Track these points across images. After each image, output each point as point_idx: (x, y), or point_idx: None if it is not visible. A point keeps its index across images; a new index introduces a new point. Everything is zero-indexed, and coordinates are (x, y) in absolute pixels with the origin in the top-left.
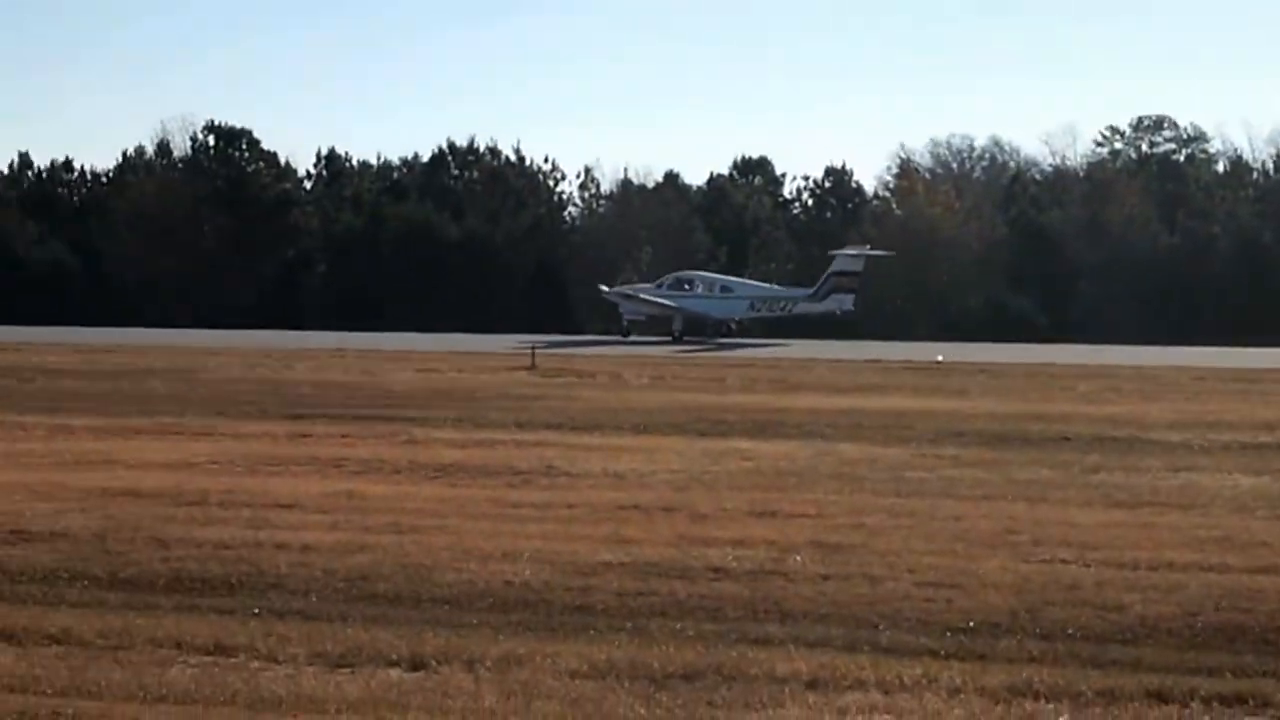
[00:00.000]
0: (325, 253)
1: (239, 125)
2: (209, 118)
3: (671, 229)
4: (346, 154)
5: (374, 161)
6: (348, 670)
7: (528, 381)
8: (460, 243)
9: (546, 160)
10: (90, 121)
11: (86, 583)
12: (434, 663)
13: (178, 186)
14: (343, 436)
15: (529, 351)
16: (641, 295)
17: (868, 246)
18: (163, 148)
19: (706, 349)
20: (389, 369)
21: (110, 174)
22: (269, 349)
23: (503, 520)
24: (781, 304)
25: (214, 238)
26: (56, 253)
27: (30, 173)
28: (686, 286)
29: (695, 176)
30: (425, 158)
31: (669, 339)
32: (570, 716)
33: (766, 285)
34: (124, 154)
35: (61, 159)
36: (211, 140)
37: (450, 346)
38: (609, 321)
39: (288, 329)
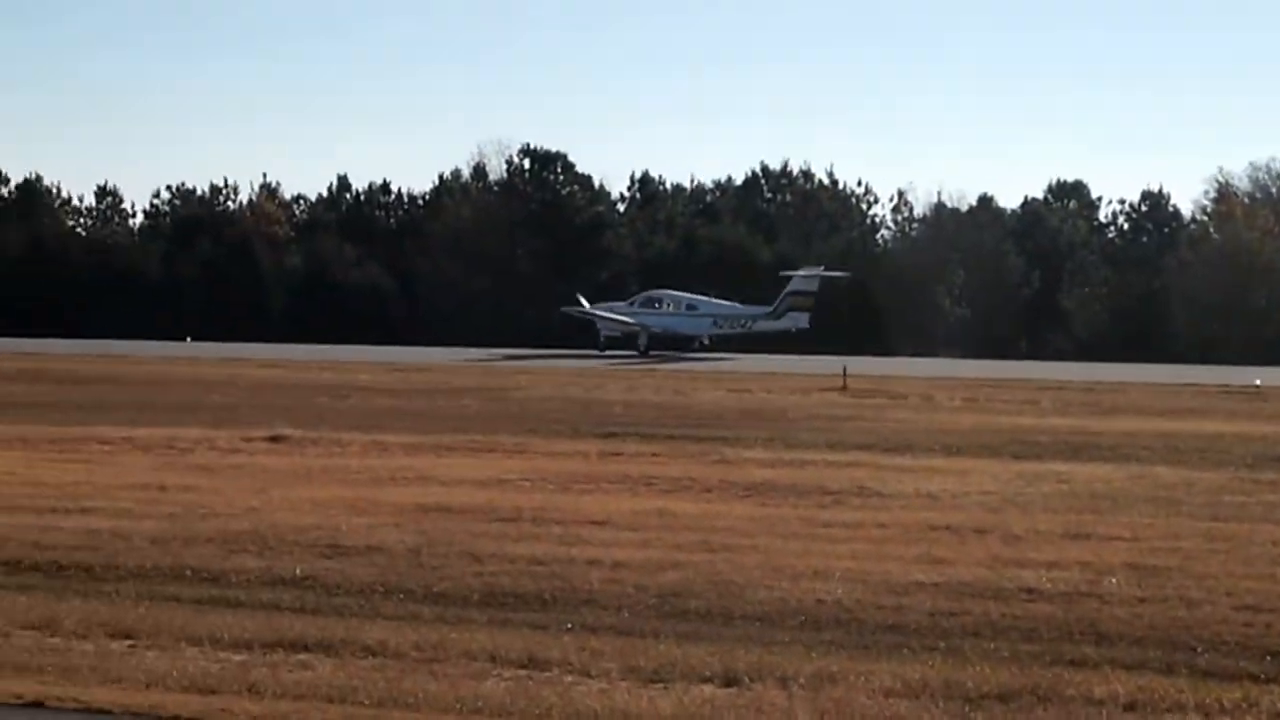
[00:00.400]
0: (638, 275)
1: (554, 149)
2: (525, 141)
3: (984, 252)
4: (660, 177)
5: (687, 184)
6: (661, 686)
7: (839, 402)
8: (773, 265)
9: (859, 183)
10: (407, 145)
11: (401, 596)
12: (747, 679)
13: (493, 210)
14: (653, 455)
15: (840, 373)
16: (607, 314)
17: (822, 268)
18: (479, 171)
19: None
20: (700, 389)
21: (426, 197)
22: (581, 369)
23: (813, 539)
24: (742, 321)
25: (528, 261)
26: (373, 275)
27: (349, 195)
28: (656, 305)
29: (1009, 200)
30: (738, 180)
31: (634, 354)
32: None
33: (729, 304)
34: (440, 177)
35: (379, 182)
36: (527, 163)
37: (763, 367)
38: (919, 344)
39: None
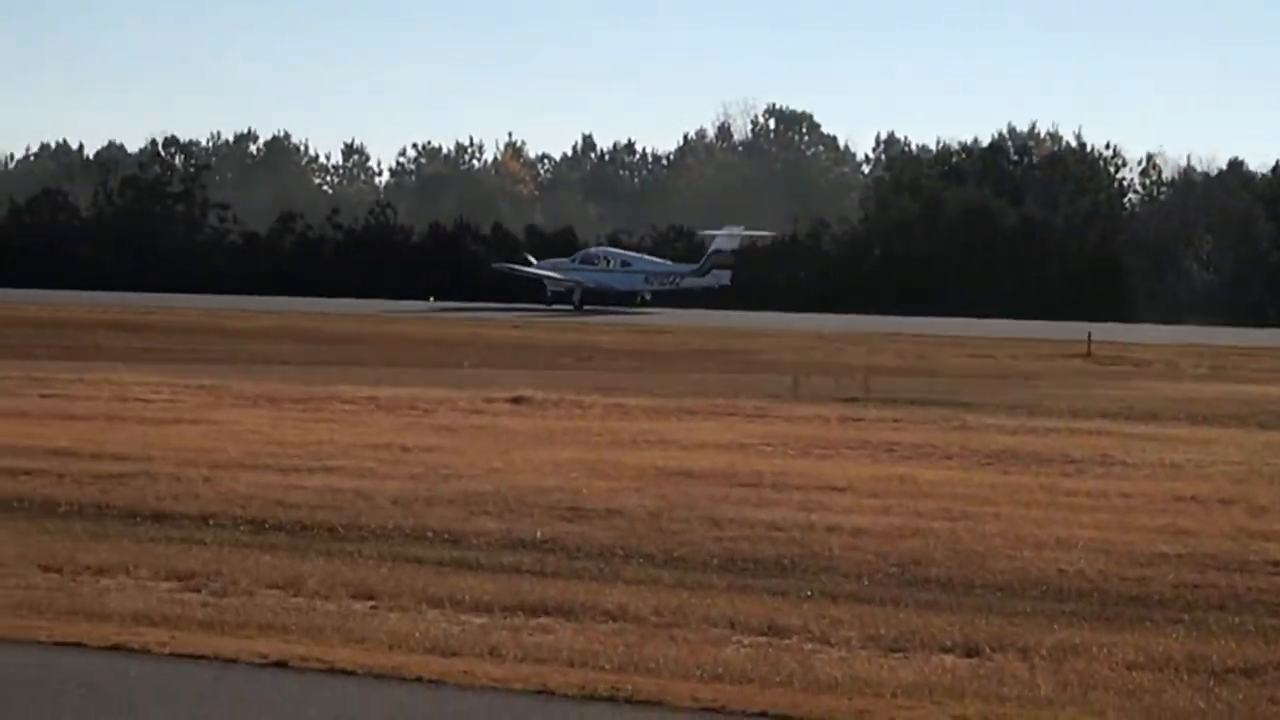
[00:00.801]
0: (880, 237)
1: (799, 109)
2: (770, 101)
3: (1233, 217)
4: (905, 138)
5: (932, 146)
6: (901, 655)
7: (1083, 369)
8: (1018, 229)
9: (1108, 147)
10: (652, 104)
11: (641, 560)
12: (988, 649)
13: (737, 169)
14: (894, 421)
15: (1085, 339)
16: (538, 271)
17: (742, 228)
18: (723, 130)
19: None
20: (942, 354)
21: (670, 156)
22: (822, 332)
23: (1056, 508)
24: (672, 278)
25: (771, 221)
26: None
27: (593, 155)
28: (593, 262)
29: (1260, 163)
30: (984, 143)
31: (570, 308)
32: (1128, 709)
33: (660, 260)
34: (684, 136)
35: (624, 141)
36: (772, 123)
37: (1005, 333)
38: (1165, 310)
39: (843, 313)
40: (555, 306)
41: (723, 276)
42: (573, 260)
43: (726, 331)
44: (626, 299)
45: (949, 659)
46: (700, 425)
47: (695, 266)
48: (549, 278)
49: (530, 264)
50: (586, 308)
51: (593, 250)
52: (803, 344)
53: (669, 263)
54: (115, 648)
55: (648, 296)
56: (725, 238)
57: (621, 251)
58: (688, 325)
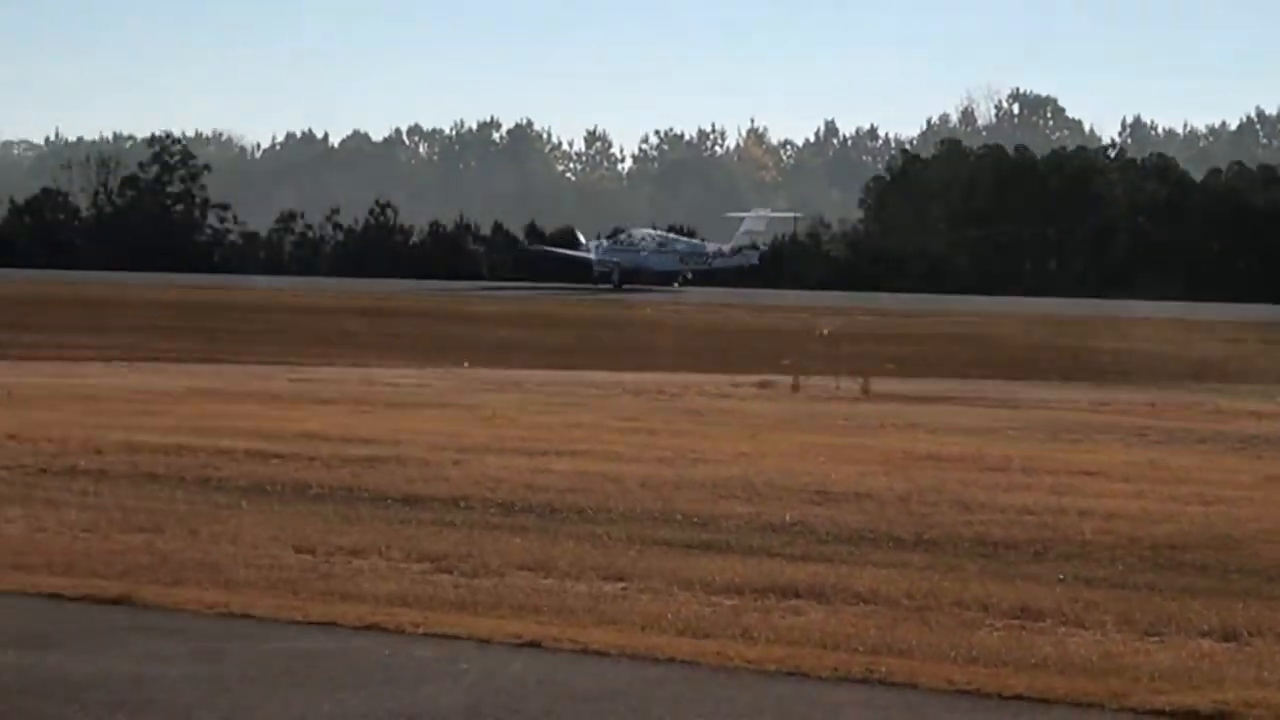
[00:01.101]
0: (1128, 220)
1: (1043, 93)
2: (1014, 85)
3: None
4: (1152, 122)
5: (1179, 130)
6: (1157, 639)
7: None
8: (1267, 211)
9: None
10: (895, 89)
11: (891, 544)
12: (1246, 634)
13: (981, 154)
14: (1149, 405)
15: None
16: (568, 252)
17: (769, 210)
18: (967, 115)
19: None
20: (1195, 339)
21: (913, 141)
22: (1076, 316)
23: None
24: (704, 258)
25: (1018, 207)
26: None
27: (835, 140)
28: (630, 243)
29: None
30: (1233, 126)
31: (609, 286)
32: None
33: (694, 241)
34: (928, 121)
35: (866, 126)
36: (1015, 108)
37: (1256, 316)
38: None
39: (1105, 298)
40: (600, 286)
41: (751, 257)
42: (613, 242)
43: (952, 319)
44: (666, 279)
45: (1206, 643)
46: (947, 410)
47: (726, 248)
48: (587, 260)
49: (581, 244)
50: (626, 287)
51: (633, 231)
52: (1051, 329)
53: (702, 243)
54: (370, 627)
55: (689, 276)
56: (753, 219)
57: (657, 233)
58: (931, 309)
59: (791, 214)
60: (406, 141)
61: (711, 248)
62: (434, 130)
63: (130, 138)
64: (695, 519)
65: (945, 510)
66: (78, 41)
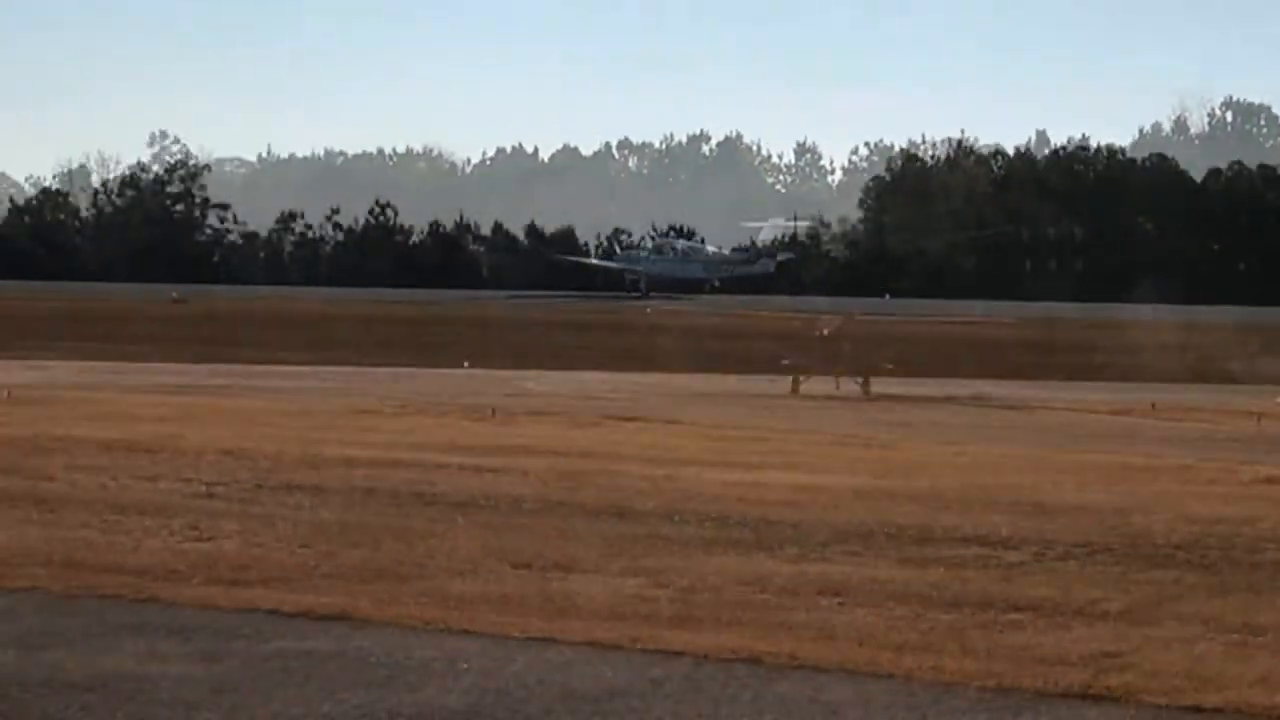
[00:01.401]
0: None
1: (1258, 101)
2: (1227, 93)
3: None
4: None
5: None
6: None
7: None
8: None
9: None
10: (1106, 98)
11: (1105, 557)
12: None
13: (1192, 163)
14: None
15: None
16: (595, 262)
17: (783, 219)
18: (1179, 124)
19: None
20: None
21: (1125, 150)
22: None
23: None
24: (725, 267)
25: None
26: (1067, 229)
27: (1047, 150)
28: (659, 253)
29: None
30: None
31: (636, 294)
32: None
33: (716, 250)
34: (1140, 130)
35: (1078, 136)
36: (1229, 116)
37: None
38: None
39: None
40: (632, 294)
41: (769, 265)
42: (645, 253)
43: (1189, 327)
44: (694, 286)
45: None
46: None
47: (746, 256)
48: (615, 269)
49: (616, 254)
50: (653, 294)
51: (660, 241)
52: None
53: (724, 252)
54: (588, 644)
55: (716, 284)
56: (770, 228)
57: (682, 242)
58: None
59: (805, 223)
60: (616, 155)
61: (734, 257)
62: (643, 144)
63: (341, 154)
64: (911, 533)
65: (1161, 523)
66: (294, 65)
